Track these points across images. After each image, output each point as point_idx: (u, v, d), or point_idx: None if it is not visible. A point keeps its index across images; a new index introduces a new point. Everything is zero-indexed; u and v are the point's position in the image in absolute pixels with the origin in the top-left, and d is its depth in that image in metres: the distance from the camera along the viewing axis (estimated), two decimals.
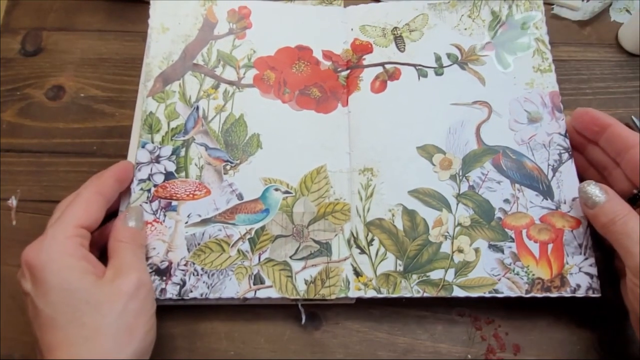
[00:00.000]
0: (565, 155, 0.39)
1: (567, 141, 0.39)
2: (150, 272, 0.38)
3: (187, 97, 0.43)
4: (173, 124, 0.42)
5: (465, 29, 0.44)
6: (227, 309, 0.38)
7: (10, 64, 0.45)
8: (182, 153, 0.41)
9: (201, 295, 0.37)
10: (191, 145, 0.42)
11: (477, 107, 0.41)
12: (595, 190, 0.34)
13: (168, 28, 0.45)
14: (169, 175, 0.41)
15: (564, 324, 0.36)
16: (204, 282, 0.38)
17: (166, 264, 0.38)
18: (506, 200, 0.38)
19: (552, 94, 0.41)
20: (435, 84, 0.42)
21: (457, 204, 0.38)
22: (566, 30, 0.47)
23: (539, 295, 0.35)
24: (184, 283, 0.38)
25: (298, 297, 0.37)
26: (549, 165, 0.39)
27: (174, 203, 0.40)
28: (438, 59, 0.43)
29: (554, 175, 0.39)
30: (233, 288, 0.37)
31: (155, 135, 0.41)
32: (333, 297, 0.37)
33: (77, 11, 0.47)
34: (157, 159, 0.41)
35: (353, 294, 0.37)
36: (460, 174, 0.39)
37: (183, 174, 0.41)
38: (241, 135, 0.42)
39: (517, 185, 0.39)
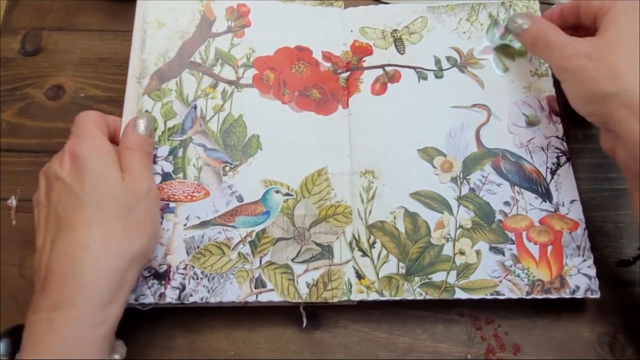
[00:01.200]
0: (563, 159, 0.38)
1: (565, 144, 0.39)
2: (149, 276, 0.35)
3: (185, 96, 0.40)
4: (170, 124, 0.40)
5: (464, 33, 0.42)
6: (227, 309, 0.36)
7: (10, 64, 0.43)
8: (180, 153, 0.39)
9: (201, 299, 0.35)
10: (189, 145, 0.39)
11: (476, 110, 0.40)
12: (520, 18, 0.37)
13: (164, 24, 0.42)
14: (166, 176, 0.38)
15: (564, 324, 0.35)
16: (204, 286, 0.35)
17: (165, 267, 0.36)
18: (506, 203, 0.37)
19: (549, 98, 0.40)
20: (435, 87, 0.41)
21: (458, 207, 0.37)
22: None
23: (539, 296, 0.34)
24: (183, 287, 0.35)
25: (300, 300, 0.35)
26: (547, 168, 0.38)
27: (171, 205, 0.37)
28: (437, 61, 0.41)
29: (552, 178, 0.38)
30: (234, 292, 0.35)
31: None
32: (335, 300, 0.35)
33: (77, 11, 0.46)
34: (154, 160, 0.38)
35: (355, 296, 0.35)
36: (461, 176, 0.38)
37: (181, 174, 0.38)
38: (240, 136, 0.40)
39: (516, 188, 0.37)
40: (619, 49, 0.31)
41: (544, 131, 0.39)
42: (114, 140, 0.37)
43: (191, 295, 0.35)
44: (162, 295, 0.35)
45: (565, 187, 0.37)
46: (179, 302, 0.35)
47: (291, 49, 0.43)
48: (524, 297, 0.34)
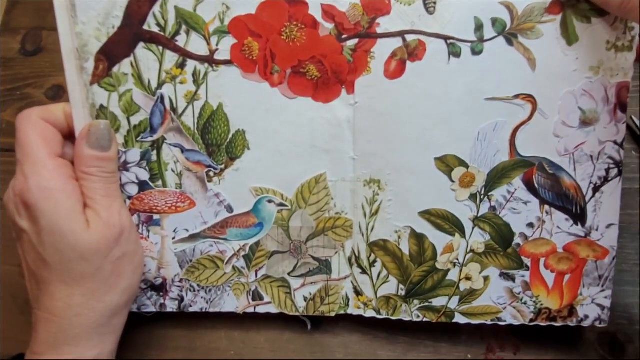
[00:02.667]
0: (614, 171, 0.29)
1: (622, 153, 0.29)
2: (146, 289, 0.33)
3: (146, 82, 0.30)
4: (134, 120, 0.30)
5: None
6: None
7: (10, 64, 0.40)
8: (154, 157, 0.31)
9: (201, 309, 0.33)
10: (163, 146, 0.31)
11: (518, 104, 0.29)
12: None
13: None
14: (143, 185, 0.31)
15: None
16: (202, 297, 0.33)
17: (160, 280, 0.33)
18: (530, 225, 0.30)
19: (621, 85, 0.28)
20: (469, 68, 0.28)
21: (473, 228, 0.30)
22: None
23: (543, 324, 0.31)
24: (182, 298, 0.33)
25: (297, 313, 0.33)
26: (590, 183, 0.29)
27: (155, 217, 0.32)
28: (479, 27, 0.28)
29: (593, 196, 0.30)
30: (232, 303, 0.33)
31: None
32: (332, 314, 0.33)
33: None
34: (125, 166, 0.31)
35: (353, 311, 0.33)
36: (482, 192, 0.30)
37: (160, 182, 0.32)
38: (222, 132, 0.31)
39: (546, 207, 0.30)
40: None
41: (600, 134, 0.29)
42: (72, 134, 0.30)
43: (190, 306, 0.33)
44: (162, 305, 0.33)
45: (605, 208, 0.29)
46: (180, 311, 0.34)
47: (280, 3, 0.29)
48: (526, 324, 0.31)
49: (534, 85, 0.28)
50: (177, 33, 0.29)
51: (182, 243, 0.32)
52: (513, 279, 0.30)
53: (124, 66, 0.29)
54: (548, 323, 0.30)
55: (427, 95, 0.28)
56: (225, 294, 0.32)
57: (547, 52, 0.27)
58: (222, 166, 0.30)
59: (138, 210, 0.31)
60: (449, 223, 0.30)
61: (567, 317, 0.30)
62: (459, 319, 0.31)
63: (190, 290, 0.32)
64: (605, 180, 0.29)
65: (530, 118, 0.28)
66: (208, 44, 0.29)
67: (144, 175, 0.31)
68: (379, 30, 0.28)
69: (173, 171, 0.31)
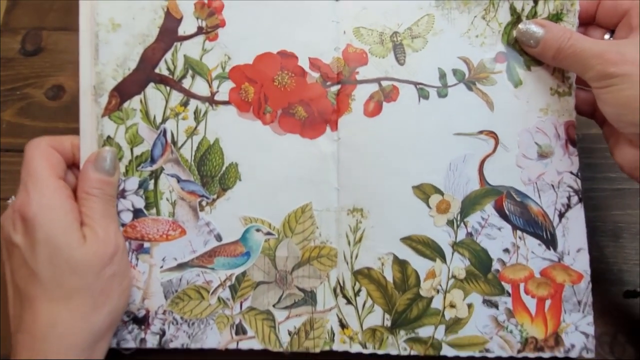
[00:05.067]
0: (575, 199, 0.30)
1: (579, 182, 0.30)
2: (128, 321, 0.30)
3: (151, 117, 0.31)
4: (137, 151, 0.31)
5: (477, 37, 0.31)
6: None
7: (10, 64, 0.38)
8: (151, 186, 0.31)
9: (182, 345, 0.30)
10: (160, 176, 0.31)
11: (482, 138, 0.30)
12: (531, 26, 0.28)
13: (119, 24, 0.31)
14: (137, 213, 0.30)
15: None
16: (184, 332, 0.30)
17: (143, 312, 0.30)
18: (506, 250, 0.30)
19: (568, 124, 0.30)
20: (437, 108, 0.30)
21: (453, 254, 0.30)
22: None
23: (531, 355, 0.28)
24: (163, 332, 0.30)
25: (281, 349, 0.30)
26: (555, 209, 0.30)
27: (146, 245, 0.30)
28: (442, 76, 0.31)
29: (559, 222, 0.30)
30: (215, 338, 0.30)
31: None
32: (317, 350, 0.30)
33: (77, 11, 0.39)
34: (123, 194, 0.31)
35: (338, 347, 0.30)
36: (459, 218, 0.30)
37: (154, 210, 0.31)
38: (217, 164, 0.31)
39: (518, 233, 0.30)
40: None
41: (557, 165, 0.30)
42: (75, 165, 0.30)
43: (171, 341, 0.30)
44: (142, 340, 0.30)
45: (573, 233, 0.29)
46: (160, 347, 0.30)
47: (274, 56, 0.32)
48: (514, 355, 0.29)
49: (494, 123, 0.30)
50: (183, 77, 0.30)
51: (170, 272, 0.30)
52: (496, 306, 0.28)
53: (134, 102, 0.30)
54: (536, 354, 0.28)
55: (402, 131, 0.30)
56: (209, 327, 0.29)
57: (502, 96, 0.30)
58: (215, 196, 0.30)
59: (130, 237, 0.30)
60: (429, 248, 0.29)
61: (555, 347, 0.28)
62: (447, 350, 0.28)
63: (172, 324, 0.29)
64: (569, 207, 0.29)
65: (494, 151, 0.29)
66: (210, 86, 0.31)
67: (140, 203, 0.30)
68: (358, 78, 0.30)
69: (167, 200, 0.30)
